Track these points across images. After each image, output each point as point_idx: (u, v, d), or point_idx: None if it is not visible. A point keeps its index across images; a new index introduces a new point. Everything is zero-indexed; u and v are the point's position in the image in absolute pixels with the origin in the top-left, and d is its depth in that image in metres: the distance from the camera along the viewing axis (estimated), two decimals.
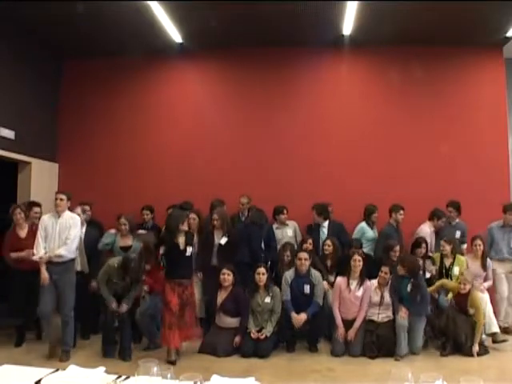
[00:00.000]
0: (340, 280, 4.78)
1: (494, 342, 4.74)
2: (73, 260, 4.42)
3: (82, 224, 4.86)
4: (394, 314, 4.76)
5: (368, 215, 5.64)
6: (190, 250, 4.34)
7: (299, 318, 4.67)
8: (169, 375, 1.35)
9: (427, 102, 6.23)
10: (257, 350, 4.52)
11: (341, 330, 4.62)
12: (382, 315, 4.74)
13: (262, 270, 4.82)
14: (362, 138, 6.28)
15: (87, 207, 5.48)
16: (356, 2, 5.06)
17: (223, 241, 5.06)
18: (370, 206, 5.67)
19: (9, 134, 5.72)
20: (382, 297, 4.77)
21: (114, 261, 4.48)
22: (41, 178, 6.30)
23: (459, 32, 5.78)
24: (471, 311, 4.56)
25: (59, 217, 4.33)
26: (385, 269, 4.82)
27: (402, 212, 5.53)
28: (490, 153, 6.09)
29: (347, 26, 5.74)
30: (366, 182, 6.12)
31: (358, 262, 4.72)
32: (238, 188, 5.87)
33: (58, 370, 1.74)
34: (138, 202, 5.41)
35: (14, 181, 6.16)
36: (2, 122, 5.58)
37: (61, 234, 4.27)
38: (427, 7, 5.11)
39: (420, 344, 4.60)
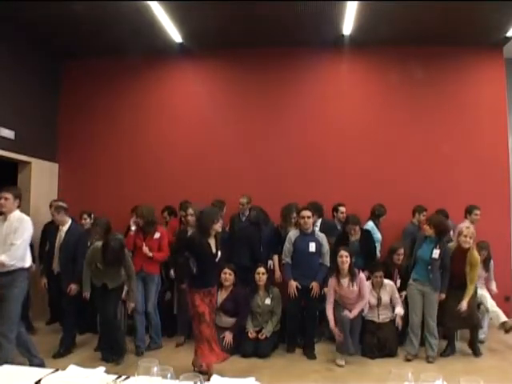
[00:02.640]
0: (331, 281, 4.57)
1: (507, 331, 4.71)
2: (23, 270, 3.68)
3: (65, 222, 4.64)
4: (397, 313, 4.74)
5: (377, 216, 5.62)
6: (219, 254, 3.90)
7: (314, 288, 4.57)
8: (169, 375, 1.35)
9: (427, 101, 6.23)
10: (257, 350, 4.52)
11: (337, 333, 4.41)
12: (382, 316, 4.72)
13: (261, 269, 4.80)
14: (362, 137, 6.28)
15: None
16: (356, 2, 5.06)
17: None
18: (379, 206, 5.64)
19: (9, 134, 5.72)
20: (379, 298, 4.74)
21: (99, 243, 4.32)
22: (41, 178, 6.30)
23: (459, 32, 5.78)
24: (468, 269, 4.43)
25: (5, 219, 3.69)
26: (378, 273, 4.79)
27: (425, 213, 5.53)
28: (490, 153, 6.09)
29: (347, 26, 5.73)
30: (365, 181, 6.12)
31: (345, 258, 4.48)
32: (238, 188, 5.86)
33: (57, 369, 1.75)
34: (138, 202, 5.39)
35: (14, 181, 6.16)
36: (2, 121, 5.58)
37: (6, 238, 3.61)
38: (427, 7, 5.10)
39: (434, 322, 4.40)
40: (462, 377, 1.24)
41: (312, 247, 4.61)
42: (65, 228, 4.69)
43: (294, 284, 4.60)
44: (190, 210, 4.91)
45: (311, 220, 4.65)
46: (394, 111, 6.31)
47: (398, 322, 4.68)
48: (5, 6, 5.11)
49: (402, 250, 5.06)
